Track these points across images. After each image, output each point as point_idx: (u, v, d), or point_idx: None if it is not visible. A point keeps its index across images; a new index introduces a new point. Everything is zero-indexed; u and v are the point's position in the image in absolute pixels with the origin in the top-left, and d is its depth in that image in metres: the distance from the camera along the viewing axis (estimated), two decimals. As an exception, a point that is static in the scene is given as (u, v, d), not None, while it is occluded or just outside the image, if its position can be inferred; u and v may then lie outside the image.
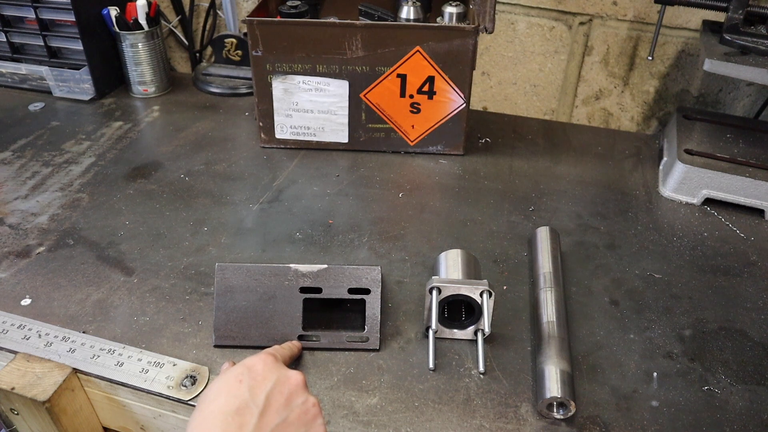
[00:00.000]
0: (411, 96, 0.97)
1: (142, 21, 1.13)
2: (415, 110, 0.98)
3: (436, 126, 1.00)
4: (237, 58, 1.25)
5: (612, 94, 1.20)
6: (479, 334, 0.66)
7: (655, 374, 0.65)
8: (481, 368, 0.64)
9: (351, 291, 0.67)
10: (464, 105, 0.97)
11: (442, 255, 0.73)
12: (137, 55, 1.15)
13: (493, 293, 0.64)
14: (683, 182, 0.92)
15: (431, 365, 0.64)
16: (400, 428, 0.59)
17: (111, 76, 1.20)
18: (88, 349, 0.66)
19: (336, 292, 0.66)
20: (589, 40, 1.15)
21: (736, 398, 0.63)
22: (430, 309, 0.64)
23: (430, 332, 0.65)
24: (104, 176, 0.96)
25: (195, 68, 1.34)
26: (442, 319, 0.67)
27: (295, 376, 0.53)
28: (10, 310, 0.71)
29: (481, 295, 0.64)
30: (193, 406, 0.60)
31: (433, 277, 0.65)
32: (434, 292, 0.64)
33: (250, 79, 1.20)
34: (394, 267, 0.78)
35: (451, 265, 0.70)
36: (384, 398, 0.62)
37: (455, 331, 0.67)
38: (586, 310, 0.73)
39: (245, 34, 0.99)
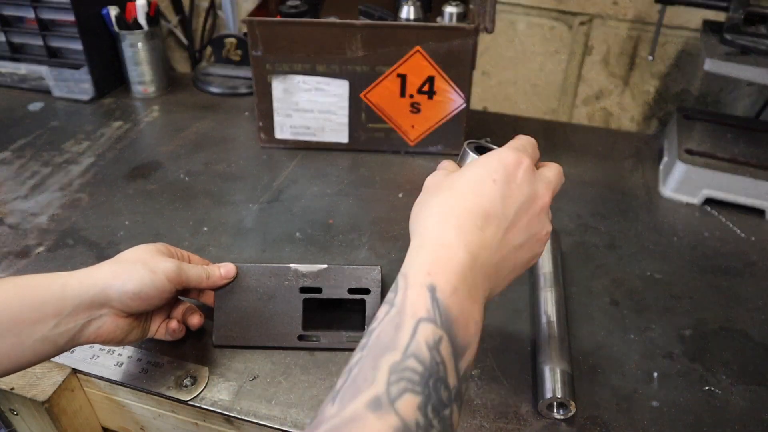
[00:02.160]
0: (411, 96, 0.96)
1: (142, 21, 1.13)
2: (415, 110, 0.98)
3: (436, 126, 1.00)
4: (237, 58, 1.25)
5: (612, 94, 1.20)
6: None
7: (655, 374, 0.65)
8: None
9: (351, 291, 0.66)
10: (464, 105, 0.97)
11: None
12: (137, 54, 1.15)
13: None
14: (684, 182, 0.92)
15: None
16: (400, 428, 0.58)
17: (111, 76, 1.20)
18: (87, 349, 0.65)
19: (336, 292, 0.66)
20: (590, 39, 1.15)
21: (736, 398, 0.62)
22: None
23: None
24: (104, 176, 0.96)
25: (195, 68, 1.34)
26: None
27: (544, 196, 0.47)
28: (10, 310, 0.70)
29: None
30: (194, 406, 0.60)
31: None
32: None
33: (250, 79, 1.20)
34: (394, 267, 0.78)
35: None
36: (384, 398, 0.62)
37: None
38: (586, 310, 0.73)
39: (245, 34, 0.99)
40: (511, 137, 0.51)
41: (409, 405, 0.35)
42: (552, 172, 0.50)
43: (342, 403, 0.36)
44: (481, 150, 0.52)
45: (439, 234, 0.43)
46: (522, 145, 0.49)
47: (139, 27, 1.14)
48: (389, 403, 0.35)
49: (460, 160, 0.53)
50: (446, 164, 0.52)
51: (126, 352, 0.65)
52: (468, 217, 0.43)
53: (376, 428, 0.34)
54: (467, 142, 0.53)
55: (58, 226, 0.84)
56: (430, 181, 0.49)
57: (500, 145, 0.50)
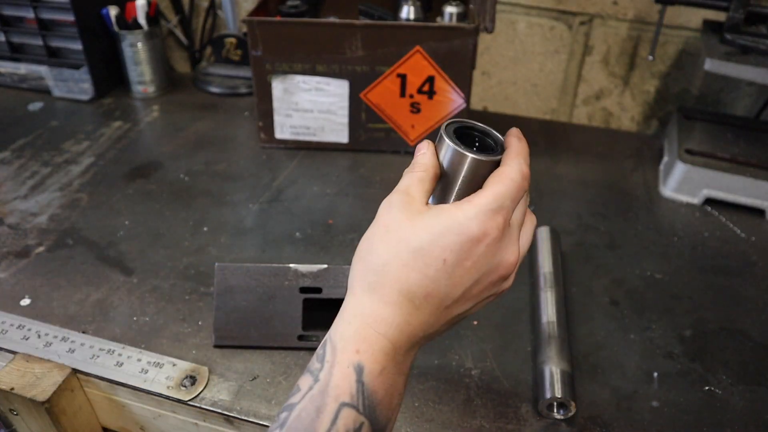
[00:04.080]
0: (411, 96, 0.96)
1: (142, 21, 1.13)
2: (415, 110, 0.98)
3: (437, 126, 0.99)
4: (237, 58, 1.25)
5: (612, 93, 1.20)
6: None
7: (655, 374, 0.65)
8: None
9: (351, 291, 0.66)
10: (464, 105, 0.97)
11: None
12: (137, 54, 1.15)
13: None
14: (684, 182, 0.92)
15: None
16: (400, 428, 0.58)
17: (110, 75, 1.20)
18: (87, 349, 0.65)
19: (336, 292, 0.66)
20: (590, 39, 1.15)
21: (736, 398, 0.62)
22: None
23: None
24: (104, 176, 0.95)
25: (195, 68, 1.34)
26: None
27: (508, 262, 0.41)
28: (10, 311, 0.71)
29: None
30: (194, 406, 0.60)
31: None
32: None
33: (250, 78, 1.20)
34: (394, 267, 0.78)
35: None
36: (384, 398, 0.61)
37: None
38: (586, 310, 0.73)
39: (245, 34, 0.99)
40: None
41: None
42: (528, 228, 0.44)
43: None
44: (463, 137, 0.43)
45: (374, 306, 0.40)
46: (500, 200, 0.40)
47: (139, 27, 1.14)
48: None
49: (437, 142, 0.44)
50: (422, 157, 0.43)
51: (126, 353, 0.65)
52: (406, 295, 0.40)
53: None
54: (447, 122, 0.44)
55: (57, 226, 0.84)
56: (385, 216, 0.42)
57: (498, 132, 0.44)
